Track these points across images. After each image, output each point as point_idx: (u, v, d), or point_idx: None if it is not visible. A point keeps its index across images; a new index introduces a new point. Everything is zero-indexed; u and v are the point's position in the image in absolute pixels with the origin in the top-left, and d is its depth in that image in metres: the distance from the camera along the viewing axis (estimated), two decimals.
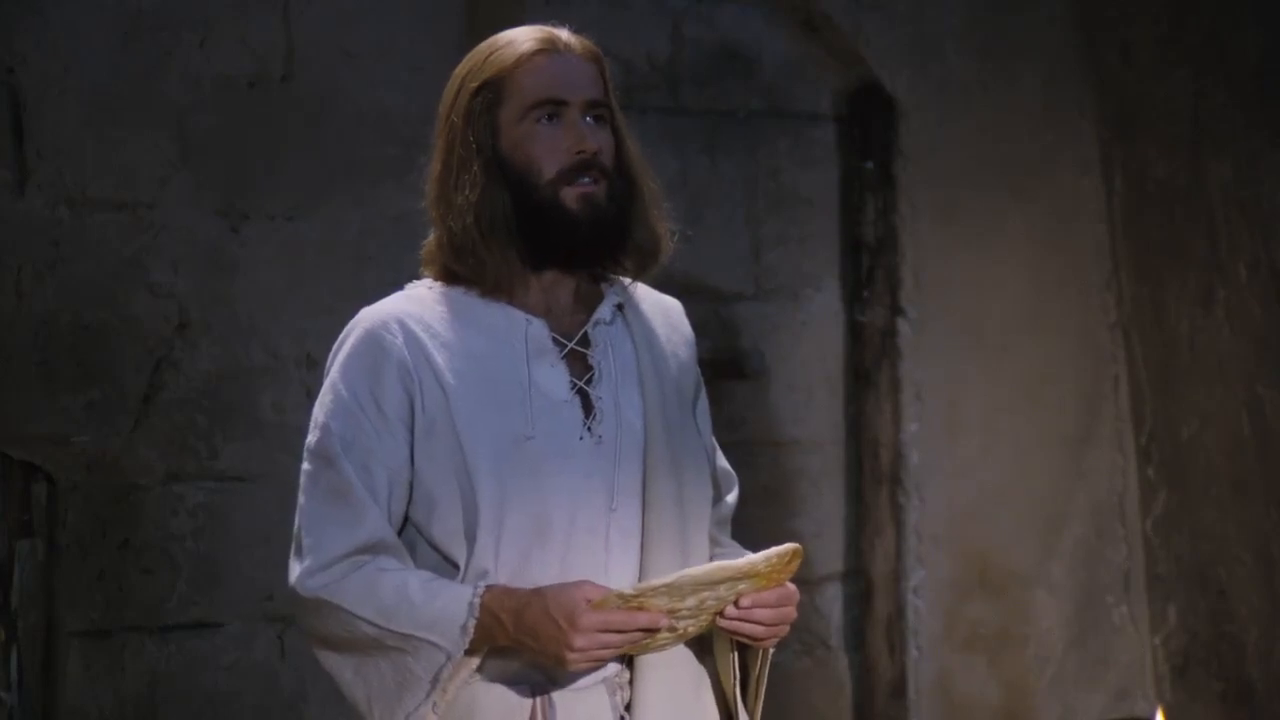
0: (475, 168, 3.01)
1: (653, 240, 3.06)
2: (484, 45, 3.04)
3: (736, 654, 3.03)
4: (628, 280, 3.10)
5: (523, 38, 2.99)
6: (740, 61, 5.19)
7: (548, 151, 2.97)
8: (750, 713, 3.09)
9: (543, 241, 3.00)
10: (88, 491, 4.54)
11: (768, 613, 2.90)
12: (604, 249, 3.02)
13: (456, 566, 2.98)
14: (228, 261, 4.67)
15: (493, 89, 2.99)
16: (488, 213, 3.01)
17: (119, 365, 4.57)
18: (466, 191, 3.00)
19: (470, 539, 2.96)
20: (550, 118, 2.97)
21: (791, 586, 2.93)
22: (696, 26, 5.15)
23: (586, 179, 2.98)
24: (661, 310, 3.17)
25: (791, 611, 2.94)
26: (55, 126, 4.53)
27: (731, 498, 3.22)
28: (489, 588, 2.90)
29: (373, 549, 2.97)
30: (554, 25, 3.02)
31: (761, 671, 3.07)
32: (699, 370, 3.18)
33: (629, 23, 5.08)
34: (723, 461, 3.23)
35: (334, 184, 4.73)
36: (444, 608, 2.92)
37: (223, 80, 4.68)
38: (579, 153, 2.96)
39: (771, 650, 3.05)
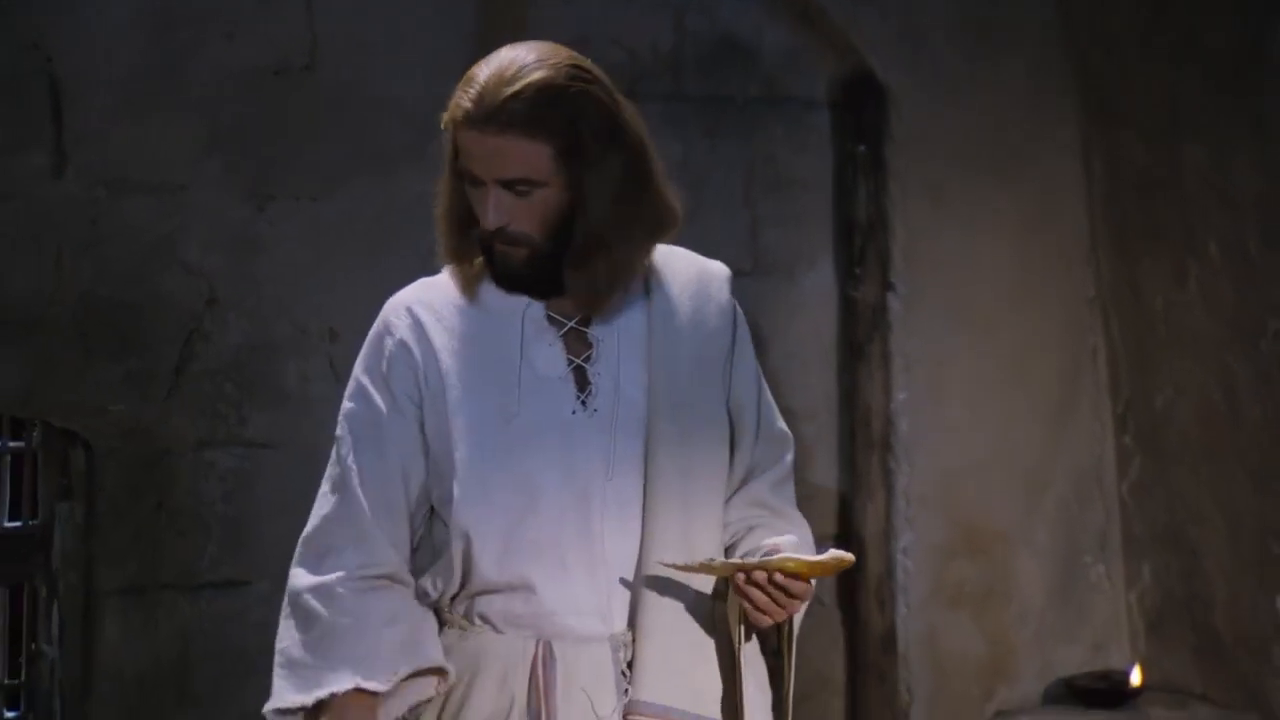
0: (454, 186, 3.05)
1: (657, 218, 3.05)
2: (467, 74, 2.98)
3: (744, 625, 3.02)
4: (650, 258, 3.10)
5: (467, 95, 2.93)
6: (739, 51, 5.20)
7: (477, 210, 2.99)
8: (786, 681, 3.09)
9: (496, 274, 3.05)
10: (124, 457, 4.59)
11: (782, 597, 2.91)
12: (535, 292, 3.04)
13: (459, 532, 3.03)
14: (254, 241, 4.72)
15: (450, 135, 2.99)
16: (456, 229, 3.07)
17: (153, 338, 4.62)
18: (446, 204, 3.07)
19: (459, 507, 3.01)
20: (474, 183, 2.97)
21: (811, 584, 2.92)
22: (698, 18, 5.16)
23: (502, 245, 2.99)
24: (698, 279, 3.16)
25: (800, 605, 2.94)
26: (92, 113, 4.56)
27: (788, 458, 3.20)
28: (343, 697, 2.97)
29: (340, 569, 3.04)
30: (517, 60, 2.94)
31: (789, 643, 3.06)
32: (739, 332, 3.16)
33: (634, 14, 5.09)
34: (779, 424, 3.21)
35: (354, 167, 4.77)
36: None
37: (249, 70, 4.71)
38: (485, 227, 2.98)
39: (798, 625, 3.05)
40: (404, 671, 3.00)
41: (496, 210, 2.96)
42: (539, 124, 2.91)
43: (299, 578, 3.06)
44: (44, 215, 4.55)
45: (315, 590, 3.04)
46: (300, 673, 3.01)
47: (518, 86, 2.90)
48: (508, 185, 2.95)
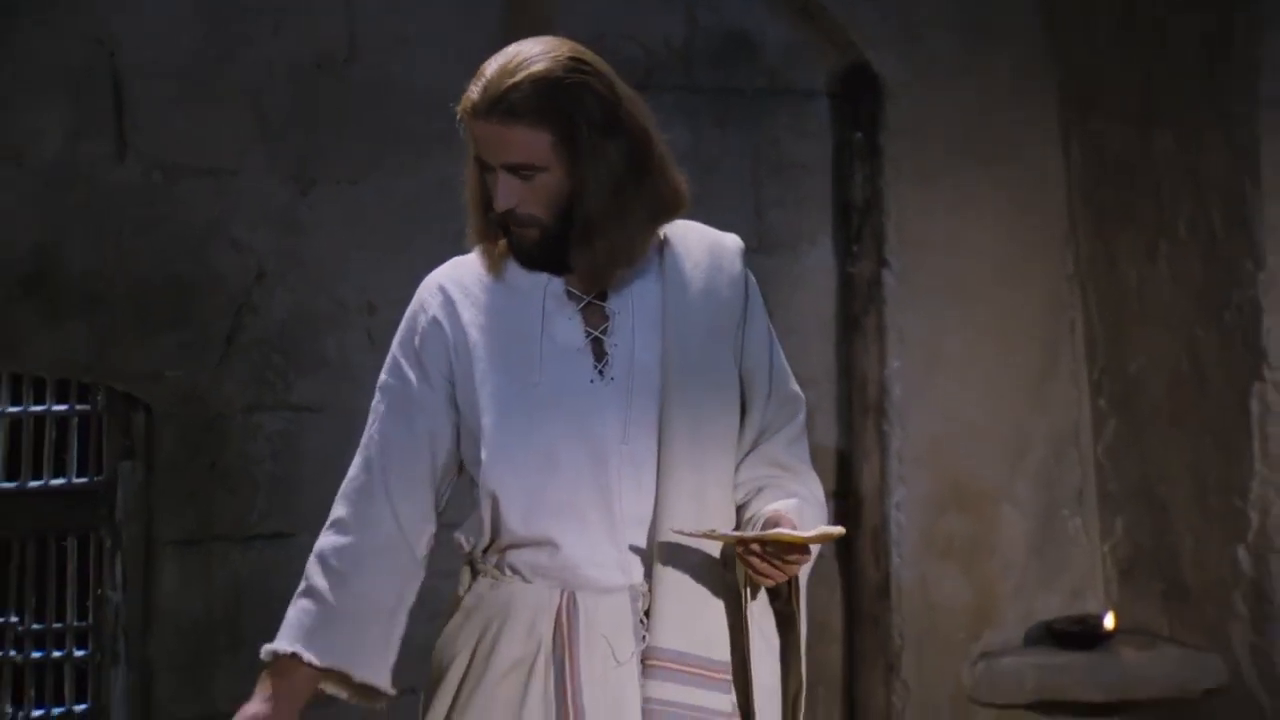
0: (473, 173, 3.04)
1: (660, 200, 3.04)
2: (479, 68, 2.98)
3: (750, 584, 3.02)
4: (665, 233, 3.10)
5: (476, 87, 2.93)
6: (746, 46, 5.16)
7: (491, 194, 2.99)
8: (796, 631, 3.09)
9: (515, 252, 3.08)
10: (180, 420, 4.59)
11: (779, 564, 2.91)
12: (549, 268, 3.04)
13: (487, 492, 3.04)
14: (298, 221, 4.70)
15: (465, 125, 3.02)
16: (482, 211, 3.06)
17: (206, 311, 4.62)
18: (469, 189, 3.07)
19: (486, 469, 3.01)
20: (487, 168, 2.98)
21: (809, 551, 2.92)
22: (707, 14, 5.13)
23: (515, 226, 3.00)
24: (710, 251, 3.16)
25: (798, 569, 2.94)
26: (150, 104, 4.56)
27: (800, 418, 3.18)
28: (295, 667, 3.02)
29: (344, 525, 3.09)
30: (522, 53, 2.94)
31: (796, 598, 3.06)
32: (751, 301, 3.15)
33: (648, 11, 5.06)
34: (792, 386, 3.19)
35: (389, 154, 4.75)
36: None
37: (293, 63, 4.71)
38: (496, 209, 2.99)
39: (804, 582, 3.05)
40: (331, 663, 3.05)
41: (505, 193, 2.97)
42: (537, 113, 2.91)
43: (319, 538, 3.12)
44: (106, 198, 4.54)
45: (318, 553, 3.09)
46: (282, 626, 3.07)
47: (518, 78, 2.90)
48: (513, 170, 2.96)
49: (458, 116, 2.99)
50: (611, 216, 2.99)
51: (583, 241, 2.99)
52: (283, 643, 3.03)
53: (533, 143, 2.92)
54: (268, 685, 3.02)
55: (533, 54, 2.94)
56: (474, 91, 2.93)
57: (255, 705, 3.00)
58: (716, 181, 4.99)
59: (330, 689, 3.09)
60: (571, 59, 2.95)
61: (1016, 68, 5.28)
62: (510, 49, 2.97)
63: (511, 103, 2.90)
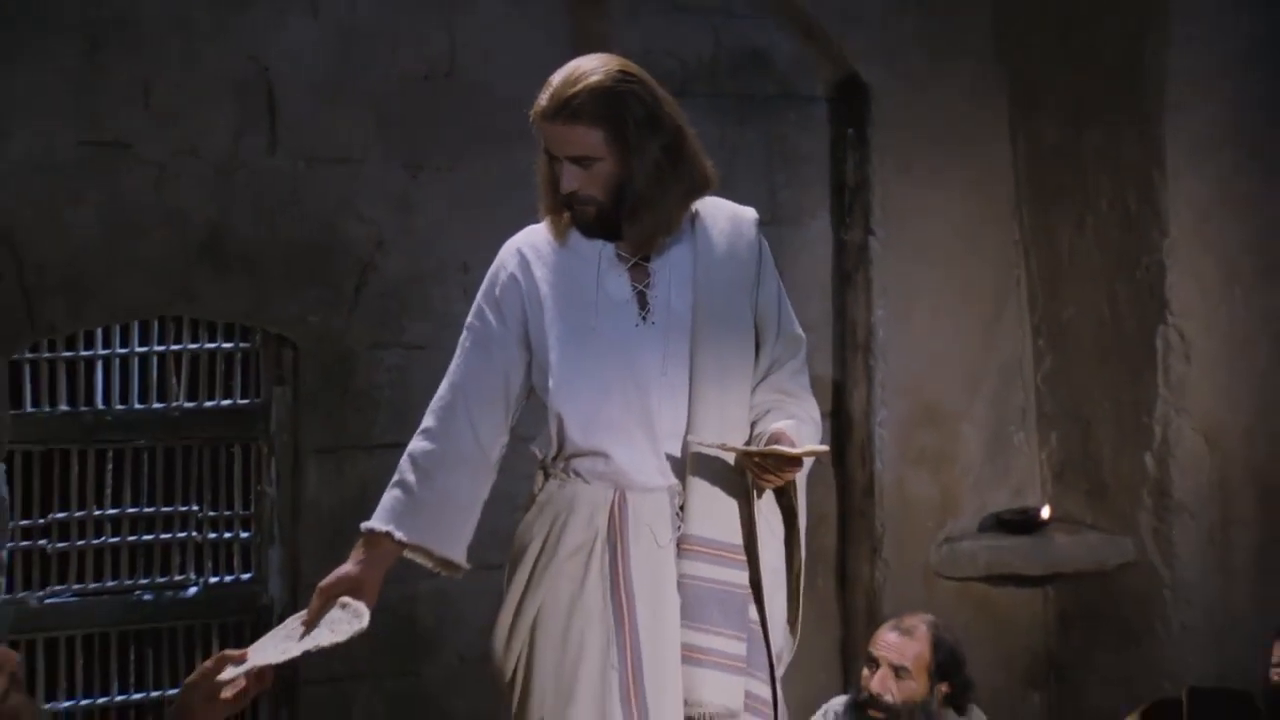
0: (543, 162, 3.05)
1: (692, 182, 3.06)
2: (551, 78, 3.00)
3: (756, 487, 3.05)
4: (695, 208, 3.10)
5: (544, 94, 2.96)
6: (761, 60, 5.08)
7: (558, 180, 3.01)
8: (797, 522, 3.11)
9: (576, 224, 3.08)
10: (319, 355, 4.59)
11: (776, 473, 2.95)
12: (604, 237, 3.05)
13: (554, 413, 3.06)
14: (409, 200, 4.68)
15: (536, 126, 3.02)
16: (551, 192, 3.06)
17: (338, 270, 4.60)
18: (541, 174, 3.07)
19: (553, 395, 3.04)
20: (552, 159, 3.00)
21: (802, 463, 2.96)
22: (730, 36, 5.05)
23: (577, 205, 3.02)
24: (732, 221, 3.15)
25: (793, 475, 2.98)
26: (295, 107, 4.55)
27: (802, 354, 3.19)
28: (386, 541, 3.01)
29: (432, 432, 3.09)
30: (581, 68, 2.96)
31: (795, 496, 3.09)
32: (764, 262, 3.16)
33: (684, 32, 4.97)
34: (796, 328, 3.20)
35: (479, 146, 4.70)
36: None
37: (406, 75, 4.67)
38: (562, 192, 3.01)
39: (802, 485, 3.09)
40: (416, 541, 3.06)
41: (568, 179, 2.99)
42: (593, 116, 2.94)
43: (411, 441, 3.12)
44: (261, 182, 4.54)
45: (409, 453, 3.09)
46: (377, 509, 3.08)
47: (578, 88, 2.93)
48: (575, 161, 2.97)
49: (530, 119, 3.02)
50: (654, 196, 3.00)
51: (632, 216, 3.01)
52: (378, 522, 3.04)
53: (589, 138, 2.95)
54: (361, 553, 3.02)
55: (589, 68, 2.97)
56: (543, 99, 2.97)
57: (349, 567, 3.00)
58: (738, 168, 4.94)
59: (417, 559, 3.10)
60: (620, 71, 2.98)
61: (975, 76, 5.18)
62: (571, 65, 3.01)
63: (573, 108, 2.93)
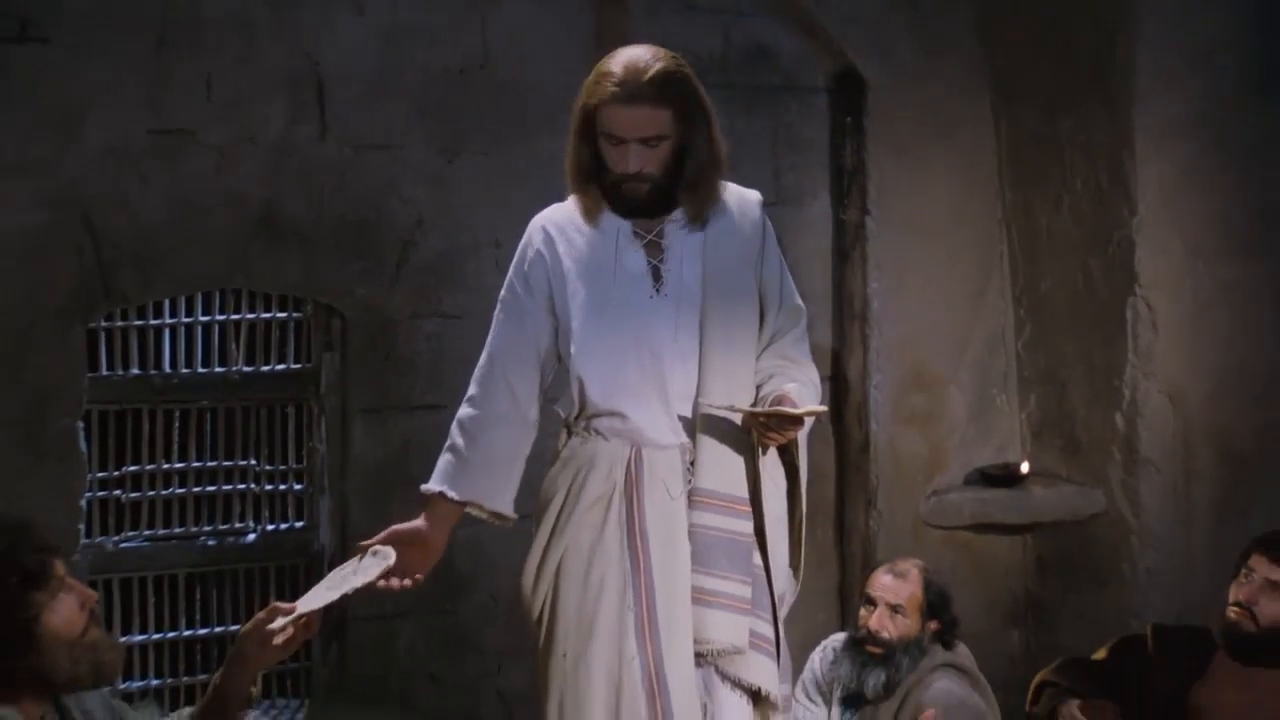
0: (580, 145, 3.05)
1: (722, 160, 3.08)
2: (602, 63, 3.00)
3: (761, 445, 3.04)
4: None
5: (610, 82, 2.94)
6: (767, 55, 5.04)
7: (615, 161, 3.01)
8: (799, 477, 3.11)
9: (614, 203, 3.07)
10: (364, 323, 4.57)
11: (778, 432, 2.95)
12: (651, 214, 3.05)
13: (576, 376, 3.07)
14: (446, 182, 4.65)
15: (591, 110, 3.00)
16: (581, 174, 3.07)
17: (382, 245, 4.58)
18: (574, 158, 3.08)
19: (575, 360, 3.05)
20: (616, 142, 2.99)
21: (803, 422, 2.94)
22: (739, 33, 5.01)
23: (632, 183, 3.01)
24: (740, 202, 3.15)
25: (794, 434, 2.98)
26: (343, 98, 4.52)
27: (803, 323, 3.19)
28: (442, 500, 3.08)
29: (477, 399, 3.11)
30: (642, 56, 2.95)
31: (797, 453, 3.09)
32: (768, 239, 3.15)
33: (697, 30, 4.91)
34: (797, 300, 3.20)
35: (511, 133, 4.68)
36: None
37: (444, 68, 4.64)
38: (625, 172, 3.00)
39: (803, 442, 3.07)
40: (468, 498, 3.10)
41: (636, 159, 2.97)
42: (665, 98, 2.95)
43: (459, 408, 3.14)
44: (313, 166, 4.52)
45: (457, 419, 3.12)
46: (434, 472, 3.12)
47: (651, 74, 2.93)
48: (644, 141, 2.96)
49: (585, 106, 2.98)
50: (708, 169, 3.04)
51: (691, 188, 3.03)
52: (433, 484, 3.11)
53: (660, 119, 2.95)
54: (423, 514, 3.10)
55: (650, 57, 2.97)
56: (610, 85, 2.94)
57: (416, 523, 3.08)
58: (745, 153, 4.83)
59: (474, 513, 3.14)
60: (675, 58, 3.01)
61: (961, 70, 5.13)
62: (627, 54, 2.99)
63: (648, 92, 2.93)
